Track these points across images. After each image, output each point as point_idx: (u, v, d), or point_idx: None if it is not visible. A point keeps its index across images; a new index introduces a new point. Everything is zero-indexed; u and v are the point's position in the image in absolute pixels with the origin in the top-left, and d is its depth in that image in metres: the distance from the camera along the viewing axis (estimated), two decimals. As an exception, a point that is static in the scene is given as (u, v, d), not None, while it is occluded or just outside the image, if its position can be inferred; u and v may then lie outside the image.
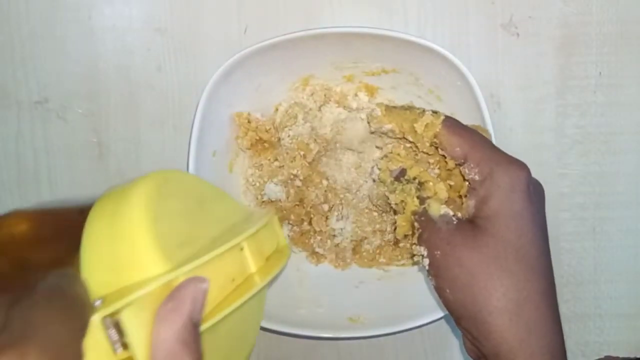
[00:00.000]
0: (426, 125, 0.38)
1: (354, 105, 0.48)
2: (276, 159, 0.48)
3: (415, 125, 0.38)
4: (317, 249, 0.48)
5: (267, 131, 0.46)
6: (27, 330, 0.19)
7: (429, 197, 0.37)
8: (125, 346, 0.23)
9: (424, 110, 0.39)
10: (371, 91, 0.47)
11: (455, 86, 0.43)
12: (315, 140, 0.47)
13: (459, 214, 0.36)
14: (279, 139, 0.47)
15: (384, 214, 0.48)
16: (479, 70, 0.43)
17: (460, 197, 0.37)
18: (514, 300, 0.33)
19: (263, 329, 0.44)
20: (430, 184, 0.38)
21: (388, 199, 0.40)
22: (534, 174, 0.48)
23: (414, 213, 0.37)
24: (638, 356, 0.50)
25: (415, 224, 0.37)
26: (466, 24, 0.47)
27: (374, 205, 0.47)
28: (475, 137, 0.37)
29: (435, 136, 0.37)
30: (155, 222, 0.26)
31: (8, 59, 0.48)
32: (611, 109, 0.48)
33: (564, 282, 0.49)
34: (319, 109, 0.47)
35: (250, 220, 0.34)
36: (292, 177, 0.47)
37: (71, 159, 0.49)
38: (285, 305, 0.46)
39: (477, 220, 0.35)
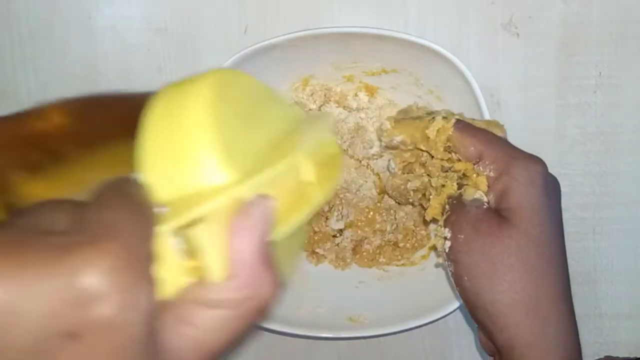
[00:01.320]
0: (438, 131, 0.38)
1: (354, 105, 0.48)
2: None
3: (427, 131, 0.38)
4: (317, 249, 0.48)
5: None
6: (102, 230, 0.19)
7: (468, 184, 0.37)
8: (191, 256, 0.22)
9: (434, 117, 0.39)
10: (371, 91, 0.48)
11: (455, 86, 0.43)
12: None
13: (492, 203, 0.36)
14: None
15: (391, 211, 0.48)
16: (479, 70, 0.43)
17: None
18: (532, 294, 0.33)
19: (263, 329, 0.44)
20: (474, 175, 0.37)
21: (405, 189, 0.41)
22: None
23: (450, 196, 0.37)
24: (638, 356, 0.50)
25: (447, 206, 0.37)
26: (466, 24, 0.47)
27: (390, 197, 0.47)
28: (489, 135, 0.37)
29: (448, 140, 0.37)
30: (219, 125, 0.24)
31: (8, 59, 0.48)
32: (611, 109, 0.48)
33: (564, 282, 0.49)
34: (319, 109, 0.47)
35: (308, 125, 0.32)
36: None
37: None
38: (285, 305, 0.46)
39: (502, 212, 0.35)
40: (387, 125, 0.40)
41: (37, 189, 0.26)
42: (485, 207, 0.35)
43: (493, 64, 0.47)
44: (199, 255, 0.22)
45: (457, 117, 0.39)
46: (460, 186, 0.37)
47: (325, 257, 0.49)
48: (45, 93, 0.48)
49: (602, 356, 0.50)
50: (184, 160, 0.23)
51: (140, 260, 0.20)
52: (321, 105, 0.47)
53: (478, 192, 0.36)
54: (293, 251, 0.32)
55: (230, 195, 0.23)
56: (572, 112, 0.48)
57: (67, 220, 0.20)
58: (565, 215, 0.48)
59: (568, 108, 0.48)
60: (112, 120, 0.28)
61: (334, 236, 0.48)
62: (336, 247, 0.48)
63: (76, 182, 0.26)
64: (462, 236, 0.35)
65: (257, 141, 0.27)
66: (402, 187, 0.43)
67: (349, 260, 0.48)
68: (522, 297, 0.33)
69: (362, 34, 0.42)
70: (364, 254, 0.48)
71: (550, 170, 0.48)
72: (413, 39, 0.41)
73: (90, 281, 0.18)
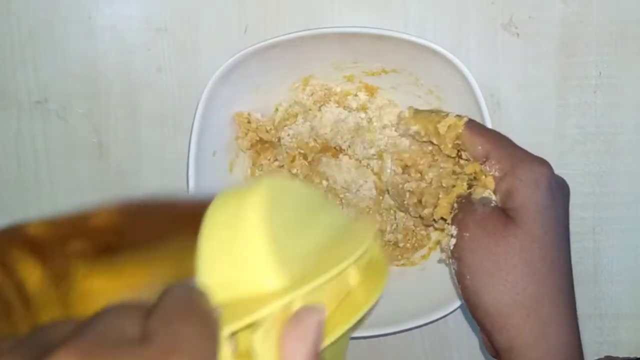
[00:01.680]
0: (449, 127, 0.39)
1: (354, 105, 0.48)
2: (276, 159, 0.48)
3: (438, 126, 0.39)
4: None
5: (267, 131, 0.46)
6: (172, 343, 0.19)
7: (477, 185, 0.37)
8: (240, 358, 0.23)
9: (447, 113, 0.40)
10: (371, 91, 0.48)
11: (455, 86, 0.43)
12: (315, 140, 0.47)
13: (498, 202, 0.36)
14: (279, 139, 0.47)
15: (391, 211, 0.48)
16: (479, 70, 0.43)
17: None
18: (534, 295, 0.33)
19: None
20: (483, 177, 0.38)
21: (402, 189, 0.42)
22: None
23: (459, 195, 0.37)
24: (638, 356, 0.50)
25: (455, 204, 0.37)
26: (466, 24, 0.47)
27: (389, 195, 0.47)
28: (497, 136, 0.37)
29: (457, 137, 0.38)
30: (272, 232, 0.25)
31: (8, 58, 0.48)
32: (611, 109, 0.48)
33: (564, 282, 0.49)
34: (319, 109, 0.47)
35: (355, 230, 0.33)
36: (292, 177, 0.47)
37: (71, 159, 0.49)
38: None
39: (508, 212, 0.35)
40: (406, 114, 0.41)
41: (95, 283, 0.27)
42: (492, 204, 0.35)
43: (493, 64, 0.47)
44: None
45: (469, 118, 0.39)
46: (469, 186, 0.37)
47: (325, 257, 0.49)
48: (45, 93, 0.48)
49: (602, 356, 0.50)
50: (238, 264, 0.24)
51: None
52: (321, 105, 0.47)
53: (487, 191, 0.36)
54: (336, 356, 0.32)
55: (284, 301, 0.24)
56: (572, 112, 0.48)
57: (140, 327, 0.20)
58: (565, 215, 0.49)
59: (568, 108, 0.48)
60: (168, 220, 0.30)
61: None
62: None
63: (134, 280, 0.28)
64: (468, 234, 0.35)
65: (308, 246, 0.28)
66: (400, 186, 0.44)
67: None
68: (523, 298, 0.33)
69: (362, 34, 0.42)
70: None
71: (550, 171, 0.48)
72: (413, 39, 0.41)
73: None
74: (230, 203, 0.26)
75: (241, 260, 0.24)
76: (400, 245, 0.48)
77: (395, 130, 0.46)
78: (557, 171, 0.48)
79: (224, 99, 0.43)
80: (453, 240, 0.36)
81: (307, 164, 0.47)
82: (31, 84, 0.48)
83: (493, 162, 0.36)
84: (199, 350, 0.20)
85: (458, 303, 0.42)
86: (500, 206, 0.35)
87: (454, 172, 0.40)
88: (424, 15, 0.47)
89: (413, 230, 0.48)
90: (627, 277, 0.49)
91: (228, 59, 0.41)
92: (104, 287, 0.26)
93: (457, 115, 0.39)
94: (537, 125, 0.48)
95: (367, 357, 0.51)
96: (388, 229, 0.48)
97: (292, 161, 0.47)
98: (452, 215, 0.37)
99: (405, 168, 0.44)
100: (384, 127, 0.48)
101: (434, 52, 0.41)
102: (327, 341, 0.26)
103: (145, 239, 0.28)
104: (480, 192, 0.36)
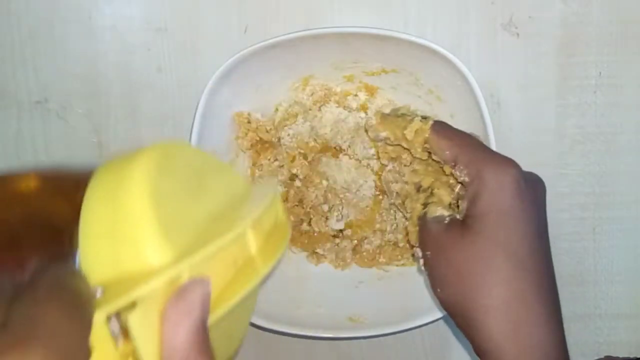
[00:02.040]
0: (416, 132, 0.38)
1: (354, 105, 0.48)
2: (276, 159, 0.48)
3: (405, 132, 0.39)
4: (317, 249, 0.48)
5: (267, 131, 0.46)
6: (30, 329, 0.18)
7: (433, 202, 0.38)
8: (126, 337, 0.22)
9: (414, 117, 0.39)
10: (371, 91, 0.48)
11: (455, 86, 0.43)
12: (315, 140, 0.47)
13: (457, 215, 0.36)
14: (279, 139, 0.47)
15: (391, 211, 0.48)
16: (479, 70, 0.43)
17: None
18: (502, 297, 0.33)
19: (263, 328, 0.44)
20: (436, 190, 0.38)
21: (389, 189, 0.43)
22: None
23: (418, 217, 0.38)
24: (638, 356, 0.50)
25: (417, 227, 0.38)
26: (466, 24, 0.47)
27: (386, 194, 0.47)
28: (465, 138, 0.37)
29: (425, 141, 0.38)
30: (158, 203, 0.23)
31: (8, 58, 0.48)
32: (611, 109, 0.48)
33: (564, 283, 0.49)
34: (319, 109, 0.47)
35: (253, 196, 0.32)
36: (292, 177, 0.47)
37: (71, 159, 0.49)
38: (285, 305, 0.46)
39: (467, 220, 0.35)
40: (373, 120, 0.41)
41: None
42: (446, 222, 0.36)
43: (493, 64, 0.47)
44: (132, 342, 0.21)
45: (436, 119, 0.39)
46: (425, 206, 0.38)
47: (325, 257, 0.49)
48: (45, 93, 0.48)
49: (602, 356, 0.50)
50: (121, 239, 0.23)
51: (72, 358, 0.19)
52: (321, 105, 0.47)
53: (439, 209, 0.37)
54: (240, 322, 0.31)
55: (166, 277, 0.22)
56: (572, 112, 0.48)
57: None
58: (565, 216, 0.49)
59: (568, 108, 0.48)
60: (68, 189, 0.28)
61: (334, 236, 0.48)
62: (336, 247, 0.48)
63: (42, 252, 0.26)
64: (429, 252, 0.36)
65: (200, 214, 0.27)
66: (390, 184, 0.44)
67: (349, 260, 0.48)
68: (490, 301, 0.33)
69: (362, 34, 0.42)
70: (364, 254, 0.48)
71: (550, 171, 0.48)
72: (413, 39, 0.41)
73: None
74: (111, 173, 0.24)
75: (123, 235, 0.23)
76: (400, 245, 0.48)
77: (368, 136, 0.46)
78: (557, 171, 0.48)
79: (224, 99, 0.43)
80: (421, 261, 0.37)
81: (307, 164, 0.47)
82: (31, 84, 0.48)
83: (461, 167, 0.36)
84: (63, 334, 0.19)
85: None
86: (465, 213, 0.35)
87: (414, 185, 0.41)
88: (424, 15, 0.47)
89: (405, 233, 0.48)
90: (627, 277, 0.49)
91: (228, 59, 0.41)
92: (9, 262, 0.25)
93: (424, 118, 0.39)
94: (537, 125, 0.48)
95: (367, 357, 0.51)
96: (388, 229, 0.48)
97: (292, 161, 0.47)
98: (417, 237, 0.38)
99: (392, 160, 0.44)
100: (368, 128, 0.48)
101: (434, 52, 0.41)
102: (219, 313, 0.24)
103: (55, 212, 0.27)
104: (433, 211, 0.37)
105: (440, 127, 0.38)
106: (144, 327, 0.22)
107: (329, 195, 0.48)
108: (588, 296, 0.49)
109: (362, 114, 0.48)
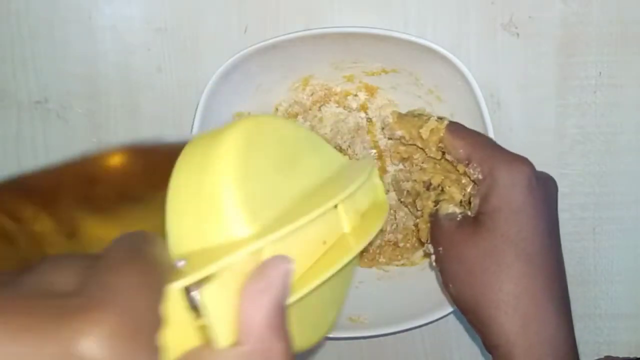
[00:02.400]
0: (431, 131, 0.39)
1: (354, 105, 0.48)
2: None
3: (420, 131, 0.39)
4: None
5: None
6: (104, 294, 0.18)
7: (444, 199, 0.38)
8: (203, 315, 0.21)
9: (430, 117, 0.40)
10: (371, 91, 0.47)
11: (455, 86, 0.43)
12: None
13: (468, 212, 0.37)
14: None
15: (391, 211, 0.48)
16: (479, 70, 0.43)
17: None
18: (511, 293, 0.33)
19: None
20: (447, 187, 0.39)
21: (399, 188, 0.44)
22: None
23: (430, 215, 0.39)
24: (638, 356, 0.50)
25: (429, 224, 0.38)
26: (466, 24, 0.47)
27: (394, 191, 0.47)
28: (478, 138, 0.37)
29: (440, 141, 0.38)
30: (244, 178, 0.23)
31: (8, 58, 0.48)
32: (611, 109, 0.48)
33: (564, 282, 0.49)
34: (319, 109, 0.47)
35: (348, 173, 0.31)
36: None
37: (71, 159, 0.49)
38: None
39: (479, 217, 0.35)
40: (390, 119, 0.42)
41: (101, 230, 0.27)
42: (458, 219, 0.37)
43: (493, 64, 0.47)
44: (207, 317, 0.21)
45: (451, 120, 0.40)
46: (436, 203, 0.39)
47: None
48: (45, 93, 0.48)
49: (602, 356, 0.50)
50: (205, 213, 0.23)
51: (144, 327, 0.19)
52: (321, 105, 0.47)
53: (451, 206, 0.37)
54: (328, 307, 0.30)
55: (246, 251, 0.22)
56: (572, 112, 0.48)
57: (76, 279, 0.19)
58: (565, 216, 0.49)
59: (568, 108, 0.48)
60: (154, 164, 0.29)
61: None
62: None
63: (139, 226, 0.27)
64: (441, 249, 0.36)
65: (290, 190, 0.26)
66: (400, 183, 0.44)
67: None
68: (501, 297, 0.33)
69: (362, 34, 0.42)
70: (364, 254, 0.48)
71: (550, 171, 0.48)
72: (413, 39, 0.41)
73: (87, 349, 0.17)
74: (200, 147, 0.24)
75: (207, 209, 0.23)
76: (400, 245, 0.48)
77: (384, 134, 0.46)
78: (557, 171, 0.48)
79: (224, 99, 0.43)
80: (433, 257, 0.38)
81: None
82: (31, 84, 0.48)
83: (475, 165, 0.36)
84: (135, 302, 0.19)
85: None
86: (477, 210, 0.36)
87: (424, 184, 0.41)
88: (424, 15, 0.47)
89: (413, 230, 0.48)
90: (627, 277, 0.49)
91: (228, 59, 0.41)
92: (108, 237, 0.25)
93: (439, 118, 0.39)
94: (537, 125, 0.48)
95: (367, 357, 0.51)
96: (388, 229, 0.48)
97: None
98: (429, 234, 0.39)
99: (403, 160, 0.44)
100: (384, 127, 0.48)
101: (434, 52, 0.41)
102: (301, 293, 0.24)
103: (149, 186, 0.27)
104: (445, 208, 0.38)
105: (455, 127, 0.38)
106: (221, 303, 0.21)
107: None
108: (588, 296, 0.49)
109: (362, 114, 0.48)
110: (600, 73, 0.48)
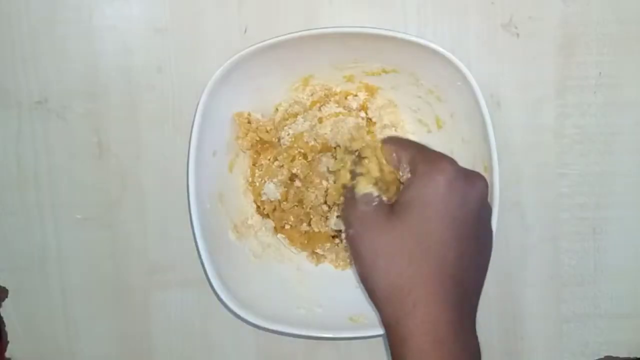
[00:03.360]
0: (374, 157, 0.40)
1: (354, 105, 0.48)
2: (276, 159, 0.48)
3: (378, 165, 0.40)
4: (317, 249, 0.48)
5: (267, 132, 0.46)
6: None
7: (361, 174, 0.39)
8: None
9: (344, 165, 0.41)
10: (371, 91, 0.48)
11: (455, 86, 0.43)
12: (315, 139, 0.47)
13: (384, 197, 0.38)
14: (279, 139, 0.47)
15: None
16: (479, 70, 0.43)
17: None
18: (408, 278, 0.36)
19: (263, 329, 0.44)
20: (366, 160, 0.39)
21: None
22: (534, 174, 0.48)
23: (344, 186, 0.40)
24: (638, 356, 0.50)
25: (342, 197, 0.40)
26: (466, 24, 0.47)
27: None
28: (409, 142, 0.40)
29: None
30: None
31: (8, 58, 0.48)
32: (611, 109, 0.48)
33: (564, 282, 0.49)
34: (319, 109, 0.47)
35: None
36: (292, 177, 0.47)
37: (71, 159, 0.49)
38: (285, 305, 0.46)
39: (395, 206, 0.37)
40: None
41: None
42: (374, 204, 0.38)
43: (493, 64, 0.47)
44: None
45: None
46: (353, 176, 0.39)
47: (325, 257, 0.49)
48: (45, 93, 0.48)
49: (602, 356, 0.50)
50: None
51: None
52: (321, 105, 0.48)
53: (369, 186, 0.38)
54: None
55: None
56: (572, 112, 0.48)
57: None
58: (564, 215, 0.49)
59: (567, 108, 0.48)
60: None
61: (334, 236, 0.48)
62: (336, 247, 0.48)
63: None
64: (351, 230, 0.38)
65: None
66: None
67: (349, 260, 0.48)
68: (398, 281, 0.36)
69: (362, 34, 0.42)
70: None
71: (550, 171, 0.48)
72: (413, 38, 0.41)
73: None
74: None
75: None
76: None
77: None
78: (556, 171, 0.48)
79: (224, 99, 0.43)
80: (343, 235, 0.39)
81: (307, 163, 0.47)
82: (31, 84, 0.48)
83: (404, 166, 0.38)
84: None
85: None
86: (395, 200, 0.38)
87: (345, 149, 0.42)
88: (423, 15, 0.47)
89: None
90: (627, 277, 0.49)
91: (228, 59, 0.41)
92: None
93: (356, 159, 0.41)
94: (536, 125, 0.48)
95: (367, 357, 0.51)
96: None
97: (292, 161, 0.47)
98: (341, 208, 0.40)
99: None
100: (384, 127, 0.48)
101: (434, 52, 0.41)
102: None
103: None
104: (362, 188, 0.38)
105: (389, 138, 0.41)
106: None
107: (329, 195, 0.48)
108: (588, 296, 0.49)
109: (362, 114, 0.48)
110: (599, 73, 0.48)
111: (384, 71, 0.45)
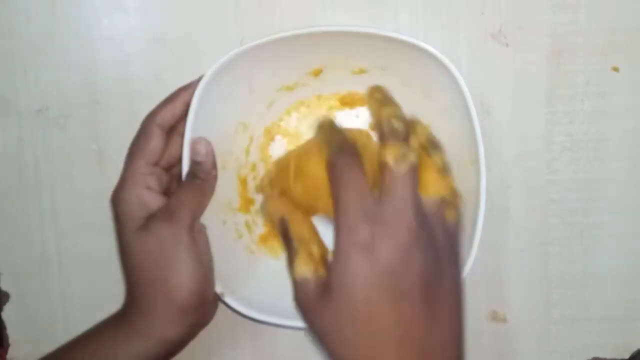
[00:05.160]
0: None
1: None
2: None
3: None
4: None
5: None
6: None
7: (296, 252, 0.39)
8: None
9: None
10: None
11: (444, 88, 0.43)
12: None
13: (321, 274, 0.37)
14: None
15: None
16: (469, 79, 0.44)
17: None
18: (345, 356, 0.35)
19: (259, 321, 0.44)
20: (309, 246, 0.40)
21: None
22: (524, 181, 0.49)
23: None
24: (625, 358, 0.51)
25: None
26: (456, 34, 0.48)
27: None
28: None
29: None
30: None
31: (9, 68, 0.49)
32: (599, 116, 0.49)
33: (553, 286, 0.50)
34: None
35: None
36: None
37: (71, 166, 0.49)
38: (282, 297, 0.46)
39: (327, 285, 0.36)
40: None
41: None
42: (310, 287, 0.37)
43: (483, 73, 0.48)
44: None
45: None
46: (291, 256, 0.39)
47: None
48: (45, 101, 0.49)
49: (590, 357, 0.51)
50: None
51: None
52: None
53: (301, 268, 0.37)
54: None
55: None
56: (561, 119, 0.49)
57: None
58: (554, 221, 0.50)
59: (557, 116, 0.49)
60: None
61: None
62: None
63: None
64: (300, 313, 0.39)
65: None
66: None
67: None
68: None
69: (354, 32, 0.43)
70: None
71: (539, 177, 0.49)
72: (403, 37, 0.42)
73: None
74: None
75: None
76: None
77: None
78: (546, 177, 0.49)
79: (217, 99, 0.44)
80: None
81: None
82: (32, 93, 0.49)
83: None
84: None
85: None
86: (325, 280, 0.37)
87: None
88: (414, 24, 0.48)
89: None
90: (614, 281, 0.50)
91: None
92: None
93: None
94: (526, 133, 0.49)
95: None
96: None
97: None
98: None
99: None
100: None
101: (423, 52, 0.42)
102: None
103: None
104: (299, 272, 0.38)
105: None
106: None
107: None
108: (577, 299, 0.50)
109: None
110: (587, 82, 0.49)
111: (372, 70, 0.46)
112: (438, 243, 0.36)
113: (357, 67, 0.46)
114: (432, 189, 0.37)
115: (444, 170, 0.38)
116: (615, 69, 0.48)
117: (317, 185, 0.39)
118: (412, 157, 0.36)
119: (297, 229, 0.40)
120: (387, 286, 0.34)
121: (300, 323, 0.42)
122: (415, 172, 0.36)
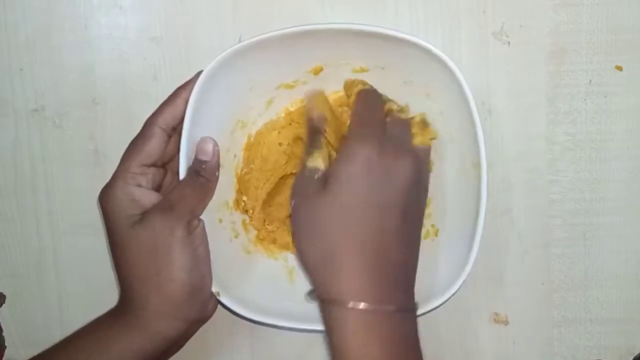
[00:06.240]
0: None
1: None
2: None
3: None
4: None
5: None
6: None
7: (317, 148, 0.42)
8: None
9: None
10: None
11: (445, 86, 0.43)
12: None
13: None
14: None
15: None
16: (471, 78, 0.43)
17: None
18: (335, 247, 0.38)
19: (257, 322, 0.44)
20: (326, 134, 0.43)
21: None
22: (525, 181, 0.49)
23: (301, 160, 0.42)
24: (628, 360, 0.50)
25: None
26: (458, 33, 0.48)
27: None
28: (356, 115, 0.43)
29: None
30: None
31: (5, 67, 0.48)
32: (601, 116, 0.49)
33: (555, 288, 0.50)
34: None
35: None
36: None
37: (68, 166, 0.49)
38: (280, 298, 0.46)
39: (327, 178, 0.40)
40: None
41: None
42: (317, 176, 0.40)
43: (484, 72, 0.48)
44: None
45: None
46: (311, 150, 0.42)
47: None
48: (42, 101, 0.49)
49: (592, 360, 0.50)
50: None
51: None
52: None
53: (319, 160, 0.41)
54: None
55: None
56: (563, 119, 0.49)
57: None
58: (556, 221, 0.49)
59: (558, 115, 0.49)
60: None
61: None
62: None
63: None
64: (294, 201, 0.41)
65: None
66: None
67: None
68: (322, 247, 0.38)
69: (354, 31, 0.42)
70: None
71: (541, 177, 0.49)
72: (406, 36, 0.41)
73: None
74: None
75: None
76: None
77: None
78: (548, 177, 0.49)
79: (215, 97, 0.43)
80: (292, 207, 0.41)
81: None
82: (28, 93, 0.48)
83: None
84: None
85: (450, 293, 0.42)
86: (327, 172, 0.40)
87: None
88: (415, 23, 0.48)
89: None
90: (617, 282, 0.50)
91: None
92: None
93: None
94: (528, 132, 0.49)
95: None
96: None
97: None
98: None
99: None
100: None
101: (425, 51, 0.41)
102: None
103: None
104: (312, 161, 0.41)
105: (362, 92, 0.44)
106: None
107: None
108: (579, 301, 0.50)
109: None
110: (590, 81, 0.48)
111: (373, 68, 0.46)
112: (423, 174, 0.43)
113: (358, 65, 0.46)
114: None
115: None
116: (618, 68, 0.48)
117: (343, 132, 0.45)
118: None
119: (331, 132, 0.43)
120: (374, 191, 0.39)
121: (297, 324, 0.42)
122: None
